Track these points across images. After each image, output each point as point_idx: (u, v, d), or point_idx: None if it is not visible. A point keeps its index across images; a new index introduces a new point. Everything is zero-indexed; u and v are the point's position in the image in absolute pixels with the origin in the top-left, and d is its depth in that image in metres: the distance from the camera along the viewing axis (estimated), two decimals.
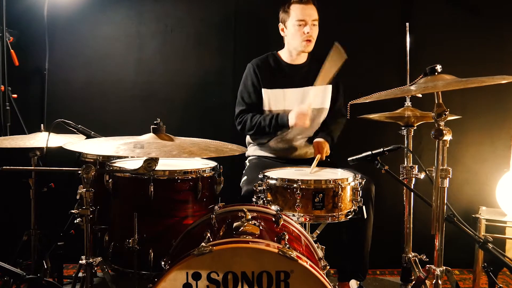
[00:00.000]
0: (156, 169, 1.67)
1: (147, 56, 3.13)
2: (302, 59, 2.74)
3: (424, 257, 2.45)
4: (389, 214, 2.86)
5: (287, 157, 2.72)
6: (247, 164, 2.75)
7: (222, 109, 3.11)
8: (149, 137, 1.76)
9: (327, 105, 2.71)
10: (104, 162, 2.30)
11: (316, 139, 2.61)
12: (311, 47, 2.65)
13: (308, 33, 2.58)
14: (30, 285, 1.73)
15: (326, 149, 2.57)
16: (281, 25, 2.70)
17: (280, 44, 2.78)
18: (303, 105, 2.49)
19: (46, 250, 2.40)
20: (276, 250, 1.42)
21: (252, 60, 2.76)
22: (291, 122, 2.50)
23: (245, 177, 2.53)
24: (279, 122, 2.56)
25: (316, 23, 2.62)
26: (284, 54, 2.76)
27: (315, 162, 2.37)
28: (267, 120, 2.58)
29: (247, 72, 2.74)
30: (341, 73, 2.74)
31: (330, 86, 2.71)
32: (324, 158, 2.54)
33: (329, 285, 1.44)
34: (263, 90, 2.67)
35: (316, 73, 2.71)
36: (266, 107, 2.68)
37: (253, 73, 2.69)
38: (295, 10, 2.59)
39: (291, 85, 2.69)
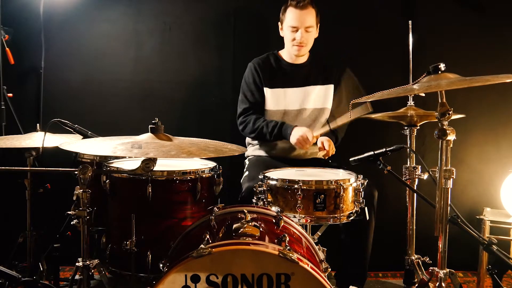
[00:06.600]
0: (154, 169, 1.65)
1: (145, 54, 3.09)
2: (303, 58, 2.72)
3: (427, 259, 2.44)
4: (391, 215, 2.83)
5: (287, 157, 2.69)
6: (247, 162, 2.73)
7: (221, 109, 3.09)
8: (147, 137, 1.75)
9: (328, 105, 2.68)
10: (101, 162, 2.28)
11: (321, 137, 2.56)
12: (302, 52, 2.63)
13: (298, 39, 2.55)
14: None
15: (332, 147, 2.52)
16: (280, 25, 2.68)
17: (280, 43, 2.74)
18: (308, 132, 2.44)
19: (42, 252, 2.37)
20: (277, 252, 1.41)
21: (253, 60, 2.73)
22: (293, 140, 2.48)
23: (246, 173, 2.52)
24: (282, 134, 2.53)
25: (311, 29, 2.57)
26: (284, 54, 2.73)
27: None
28: (269, 128, 2.55)
29: (248, 70, 2.71)
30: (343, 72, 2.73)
31: (332, 86, 2.69)
32: (329, 154, 2.50)
33: (330, 287, 1.41)
34: (265, 89, 2.65)
35: (316, 73, 2.70)
36: (267, 106, 2.65)
37: (254, 72, 2.67)
38: (290, 14, 2.56)
39: (292, 84, 2.66)
